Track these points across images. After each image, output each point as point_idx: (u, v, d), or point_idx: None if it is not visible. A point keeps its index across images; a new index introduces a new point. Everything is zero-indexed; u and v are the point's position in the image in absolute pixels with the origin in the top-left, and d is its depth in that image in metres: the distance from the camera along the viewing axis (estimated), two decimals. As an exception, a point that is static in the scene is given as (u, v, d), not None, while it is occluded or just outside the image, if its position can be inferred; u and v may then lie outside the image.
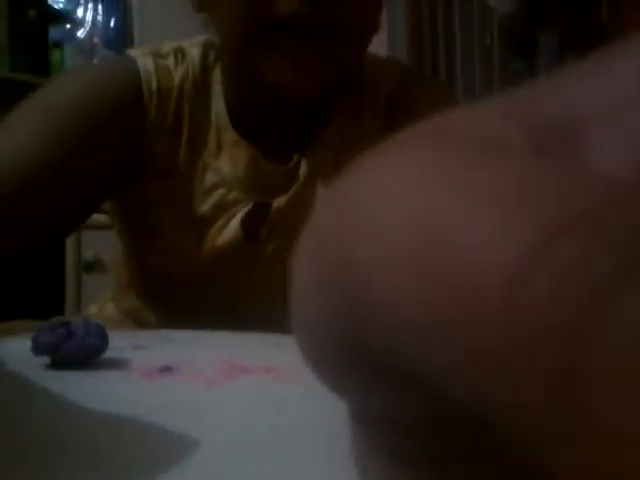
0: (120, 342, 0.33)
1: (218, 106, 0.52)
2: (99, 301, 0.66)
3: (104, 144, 0.48)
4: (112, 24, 2.23)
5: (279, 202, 0.52)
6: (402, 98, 0.54)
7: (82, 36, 2.20)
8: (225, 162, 0.51)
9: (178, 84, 0.51)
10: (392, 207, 0.09)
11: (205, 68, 0.52)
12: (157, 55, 0.52)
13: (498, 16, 1.81)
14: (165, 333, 0.42)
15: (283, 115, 0.51)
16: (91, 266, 1.66)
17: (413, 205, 0.08)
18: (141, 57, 0.51)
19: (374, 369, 0.09)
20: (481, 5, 1.87)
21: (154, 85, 0.50)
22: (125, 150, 0.50)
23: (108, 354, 0.30)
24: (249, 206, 0.51)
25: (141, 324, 0.58)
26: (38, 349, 0.29)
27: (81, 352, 0.28)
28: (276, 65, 0.44)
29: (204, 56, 0.53)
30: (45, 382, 0.27)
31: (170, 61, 0.52)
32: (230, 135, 0.51)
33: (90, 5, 2.23)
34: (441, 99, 0.56)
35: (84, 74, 0.53)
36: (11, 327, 0.49)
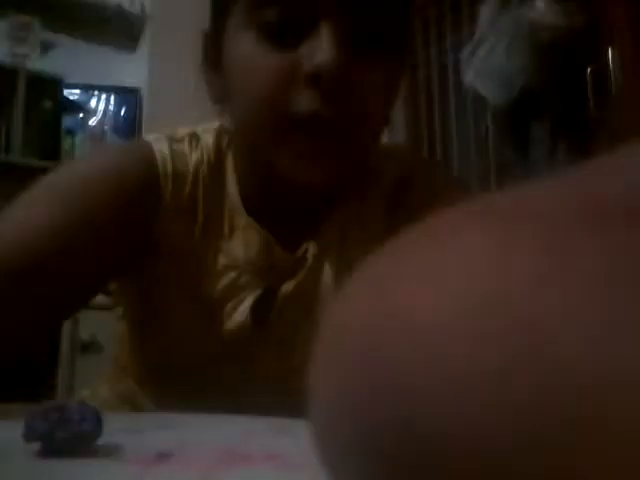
0: (115, 426, 0.31)
1: (231, 191, 0.52)
2: (94, 382, 0.65)
3: (118, 224, 0.48)
4: (122, 113, 2.33)
5: (287, 287, 0.52)
6: (409, 183, 0.55)
7: (93, 124, 2.29)
8: (237, 245, 0.51)
9: (193, 168, 0.52)
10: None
11: (219, 153, 0.53)
12: (172, 140, 0.53)
13: (491, 107, 1.90)
14: (161, 417, 0.40)
15: (294, 202, 0.52)
16: (87, 346, 1.64)
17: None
18: (156, 142, 0.52)
19: None
20: (476, 97, 1.97)
21: (169, 168, 0.51)
22: (140, 231, 0.50)
23: (102, 439, 0.29)
24: (259, 291, 0.51)
25: (136, 408, 0.56)
26: (29, 436, 0.28)
27: (75, 439, 0.27)
28: (291, 161, 0.44)
29: (218, 141, 0.54)
30: (34, 471, 0.25)
31: (185, 146, 0.53)
32: (242, 219, 0.52)
33: (103, 96, 2.34)
34: (451, 184, 0.58)
35: (100, 157, 0.54)
36: (6, 409, 0.48)
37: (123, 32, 2.34)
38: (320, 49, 0.40)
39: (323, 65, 0.40)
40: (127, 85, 2.36)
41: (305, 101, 0.42)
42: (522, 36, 1.69)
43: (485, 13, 1.84)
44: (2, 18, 2.15)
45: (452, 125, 2.32)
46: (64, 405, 0.29)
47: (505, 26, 1.77)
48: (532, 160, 1.70)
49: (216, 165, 0.53)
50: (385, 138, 0.62)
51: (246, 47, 0.44)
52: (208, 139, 0.54)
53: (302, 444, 0.30)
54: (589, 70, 1.66)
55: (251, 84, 0.44)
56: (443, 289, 0.09)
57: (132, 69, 2.36)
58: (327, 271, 0.52)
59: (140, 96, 2.34)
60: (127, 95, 2.35)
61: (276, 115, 0.43)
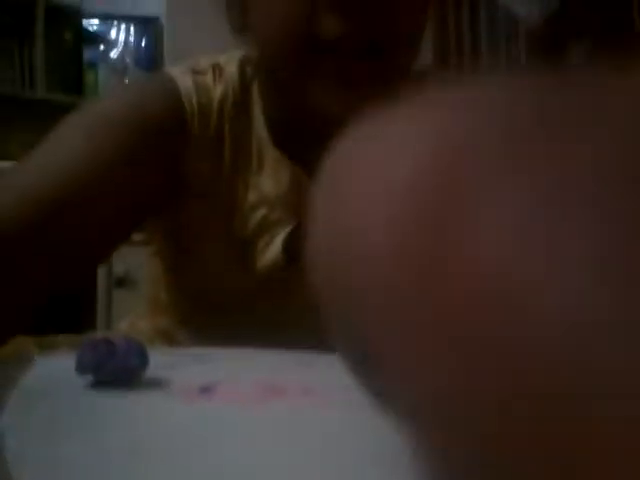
0: (157, 360, 0.33)
1: (258, 125, 0.51)
2: (130, 317, 0.67)
3: (148, 161, 0.47)
4: (143, 45, 2.29)
5: None
6: None
7: (115, 57, 2.26)
8: (267, 180, 0.50)
9: (218, 102, 0.50)
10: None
11: (244, 85, 0.52)
12: (195, 72, 0.51)
13: (525, 27, 1.80)
14: (198, 352, 0.42)
15: (324, 134, 0.50)
16: (122, 281, 1.70)
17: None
18: (180, 75, 0.51)
19: None
20: (508, 17, 1.86)
21: (195, 103, 0.49)
22: (169, 167, 0.49)
23: (148, 373, 0.30)
24: (291, 227, 0.50)
25: (173, 342, 0.59)
26: (81, 368, 0.30)
27: (123, 371, 0.29)
28: (321, 87, 0.42)
29: (242, 73, 0.52)
30: (87, 402, 0.27)
31: (209, 78, 0.51)
32: (271, 153, 0.50)
33: (123, 27, 2.29)
34: None
35: (123, 94, 0.53)
36: (54, 341, 0.51)
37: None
38: None
39: None
40: (146, 13, 2.29)
41: (332, 24, 0.39)
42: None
43: None
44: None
45: (483, 48, 2.22)
46: (111, 339, 0.31)
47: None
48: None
49: (241, 98, 0.51)
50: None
51: None
52: (232, 70, 0.52)
53: (331, 378, 0.31)
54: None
55: (274, 5, 0.42)
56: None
57: (150, -2, 2.28)
58: None
59: (160, 25, 2.28)
60: (147, 25, 2.29)
61: (301, 39, 0.41)
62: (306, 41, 0.41)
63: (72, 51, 2.17)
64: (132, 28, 2.29)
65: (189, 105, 0.49)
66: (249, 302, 0.52)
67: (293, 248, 0.51)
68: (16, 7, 2.08)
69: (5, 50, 2.09)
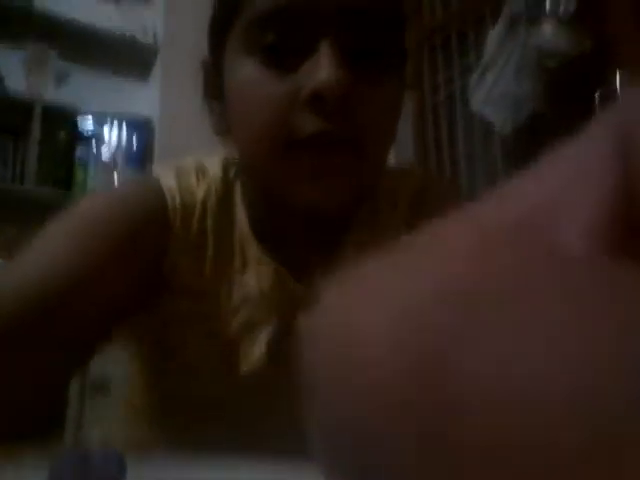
0: (134, 470, 0.31)
1: (241, 221, 0.52)
2: (101, 424, 0.64)
3: (127, 261, 0.48)
4: (135, 144, 2.36)
5: (302, 321, 0.51)
6: (424, 204, 0.55)
7: (106, 155, 2.33)
8: (250, 278, 0.51)
9: (201, 200, 0.51)
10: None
11: (226, 184, 0.53)
12: (179, 173, 0.53)
13: (499, 133, 1.90)
14: (181, 460, 0.40)
15: (306, 230, 0.51)
16: (96, 387, 1.64)
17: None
18: (164, 176, 0.52)
19: None
20: (484, 123, 1.97)
21: (178, 201, 0.50)
22: (150, 267, 0.49)
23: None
24: (274, 326, 0.50)
25: (146, 450, 0.56)
26: None
27: None
28: (298, 184, 0.43)
29: (225, 173, 0.53)
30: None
31: (192, 179, 0.52)
32: (254, 251, 0.51)
33: (115, 125, 2.38)
34: (461, 195, 0.58)
35: (110, 194, 0.54)
36: (19, 451, 0.47)
37: (136, 62, 2.39)
38: (320, 67, 0.40)
39: (324, 83, 0.39)
40: (140, 113, 2.39)
41: (307, 123, 0.41)
42: (530, 62, 1.70)
43: (492, 39, 1.86)
44: (18, 49, 2.20)
45: (460, 152, 2.33)
46: (87, 450, 0.29)
47: (513, 52, 1.79)
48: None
49: (224, 196, 0.52)
50: (394, 164, 0.62)
51: (245, 73, 0.43)
52: (215, 171, 0.54)
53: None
54: (598, 94, 1.66)
55: (252, 111, 0.43)
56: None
57: (144, 99, 2.40)
58: None
59: (152, 125, 2.38)
60: (139, 124, 2.38)
61: (278, 140, 0.42)
62: (282, 140, 0.42)
63: (65, 149, 2.23)
64: (124, 127, 2.38)
65: (172, 203, 0.50)
66: (232, 402, 0.50)
67: (277, 347, 0.50)
68: (14, 106, 2.16)
69: (0, 148, 2.15)
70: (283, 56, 0.42)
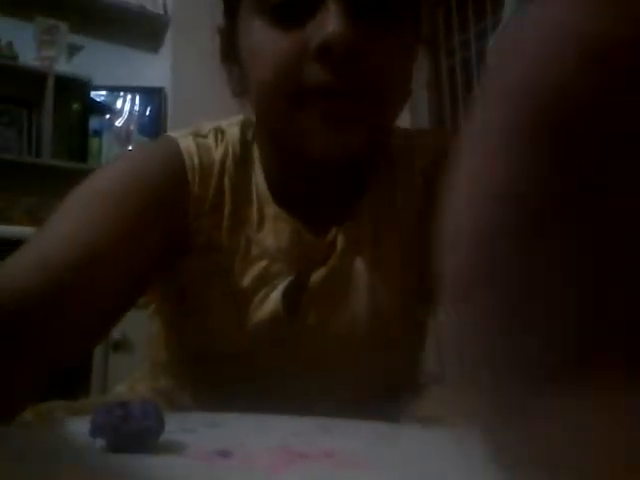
0: (169, 425, 0.32)
1: (258, 181, 0.53)
2: (128, 380, 0.65)
3: (151, 223, 0.48)
4: (148, 114, 2.36)
5: (318, 274, 0.51)
6: (439, 169, 0.55)
7: (119, 125, 2.33)
8: (267, 235, 0.52)
9: (219, 160, 0.52)
10: None
11: (245, 145, 0.54)
12: (197, 135, 0.53)
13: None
14: (209, 417, 0.41)
15: (321, 186, 0.52)
16: (118, 345, 1.67)
17: None
18: (182, 138, 0.53)
19: None
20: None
21: (196, 161, 0.51)
22: (171, 227, 0.50)
23: (162, 437, 0.29)
24: (290, 278, 0.51)
25: (173, 404, 0.57)
26: (95, 432, 0.29)
27: (139, 435, 0.28)
28: (310, 132, 0.44)
29: (243, 134, 0.54)
30: (102, 467, 0.26)
31: (210, 140, 0.53)
32: (271, 209, 0.52)
33: (128, 96, 2.38)
34: None
35: (128, 159, 0.55)
36: (50, 407, 0.49)
37: (146, 33, 2.37)
38: (328, 21, 0.40)
39: (332, 35, 0.40)
40: (151, 85, 2.39)
41: (316, 74, 0.42)
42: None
43: (510, 1, 1.81)
44: (29, 22, 2.19)
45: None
46: (128, 402, 0.30)
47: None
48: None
49: (242, 157, 0.53)
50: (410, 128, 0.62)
51: (257, 33, 0.45)
52: (233, 132, 0.54)
53: (350, 443, 0.30)
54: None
55: (264, 67, 0.44)
56: None
57: (156, 69, 2.38)
58: (360, 257, 0.52)
59: (164, 95, 2.37)
60: (152, 95, 2.37)
61: (290, 89, 0.43)
62: (293, 90, 0.43)
63: (79, 120, 2.23)
64: (137, 98, 2.37)
65: (190, 163, 0.51)
66: (249, 355, 0.51)
67: (292, 300, 0.51)
68: (27, 78, 2.16)
69: (15, 119, 2.16)
70: (292, 14, 0.43)
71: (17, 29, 2.17)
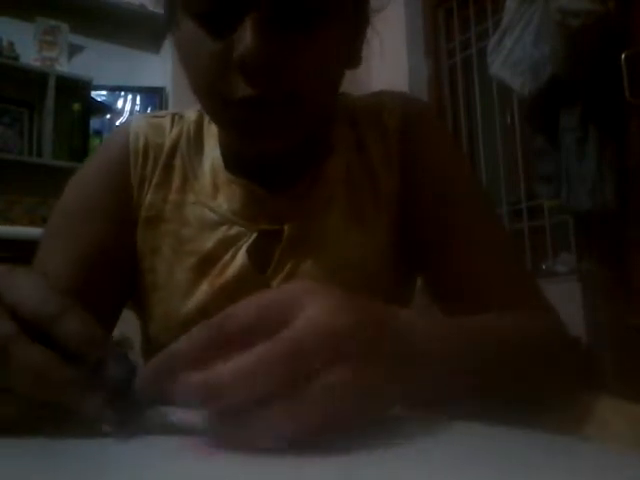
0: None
1: (214, 155, 0.55)
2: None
3: (114, 221, 0.53)
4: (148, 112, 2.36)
5: (291, 229, 0.52)
6: (411, 129, 0.55)
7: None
8: (223, 201, 0.54)
9: (172, 140, 0.56)
10: None
11: (200, 125, 0.58)
12: (155, 116, 0.58)
13: (517, 97, 1.87)
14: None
15: (272, 160, 0.52)
16: (118, 345, 1.67)
17: None
18: (137, 118, 0.57)
19: None
20: (501, 86, 1.94)
21: (141, 143, 0.55)
22: (121, 210, 0.54)
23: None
24: (253, 236, 0.52)
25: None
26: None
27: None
28: (235, 133, 0.46)
29: (201, 115, 0.58)
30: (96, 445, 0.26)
31: (166, 121, 0.58)
32: (225, 176, 0.54)
33: (129, 96, 2.38)
34: (445, 129, 0.63)
35: (80, 173, 0.58)
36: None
37: (147, 33, 2.37)
38: (244, 39, 0.41)
39: (248, 50, 0.41)
40: (152, 85, 2.39)
41: (235, 87, 0.43)
42: (550, 24, 1.65)
43: (511, 2, 1.81)
44: (30, 22, 2.19)
45: (477, 116, 2.30)
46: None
47: (532, 14, 1.74)
48: (562, 148, 1.67)
49: (196, 135, 0.57)
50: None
51: (187, 33, 0.45)
52: (190, 115, 0.58)
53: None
54: (624, 55, 1.62)
55: (192, 69, 0.46)
56: None
57: (156, 69, 2.39)
58: (335, 213, 0.53)
59: (165, 95, 2.37)
60: (152, 95, 2.38)
61: (216, 97, 0.44)
62: (220, 98, 0.44)
63: (79, 121, 2.24)
64: (138, 98, 2.37)
65: (134, 148, 0.55)
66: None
67: (260, 257, 0.51)
68: (28, 79, 2.17)
69: (16, 119, 2.16)
70: (216, 24, 0.43)
71: (18, 29, 2.18)
